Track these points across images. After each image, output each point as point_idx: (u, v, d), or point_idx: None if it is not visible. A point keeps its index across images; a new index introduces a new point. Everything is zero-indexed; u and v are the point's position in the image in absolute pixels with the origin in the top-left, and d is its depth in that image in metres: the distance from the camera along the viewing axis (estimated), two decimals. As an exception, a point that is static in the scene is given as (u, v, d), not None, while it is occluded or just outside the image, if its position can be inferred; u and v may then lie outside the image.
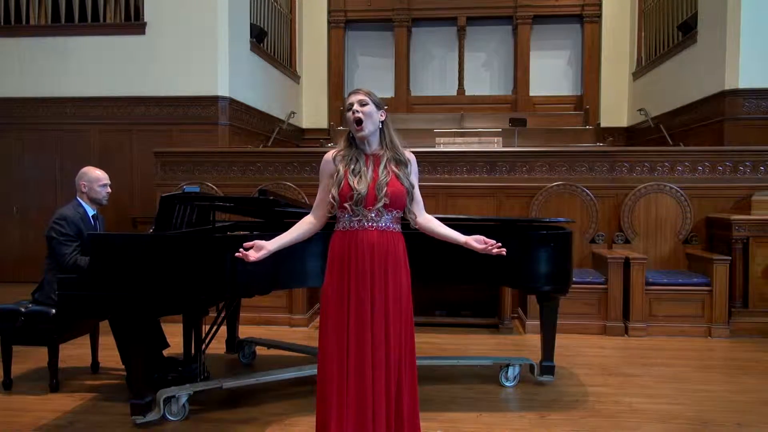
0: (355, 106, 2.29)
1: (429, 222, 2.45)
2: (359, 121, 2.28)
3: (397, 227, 2.36)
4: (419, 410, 2.40)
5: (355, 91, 2.35)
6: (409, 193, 2.34)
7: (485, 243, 2.38)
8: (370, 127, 2.31)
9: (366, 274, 2.28)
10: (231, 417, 3.14)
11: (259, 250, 2.35)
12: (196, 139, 6.78)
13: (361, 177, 2.28)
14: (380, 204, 2.27)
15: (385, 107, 2.38)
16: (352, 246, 2.30)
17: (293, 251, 3.17)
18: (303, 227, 2.42)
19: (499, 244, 2.36)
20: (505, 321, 4.96)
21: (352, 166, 2.30)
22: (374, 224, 2.30)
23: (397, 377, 2.29)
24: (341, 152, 2.36)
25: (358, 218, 2.30)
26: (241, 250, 2.33)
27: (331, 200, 2.30)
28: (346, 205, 2.27)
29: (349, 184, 2.26)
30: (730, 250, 4.88)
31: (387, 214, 2.31)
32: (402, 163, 2.35)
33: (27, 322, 3.48)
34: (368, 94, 2.32)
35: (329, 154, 2.38)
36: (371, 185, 2.27)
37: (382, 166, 2.32)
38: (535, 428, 3.03)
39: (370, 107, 2.30)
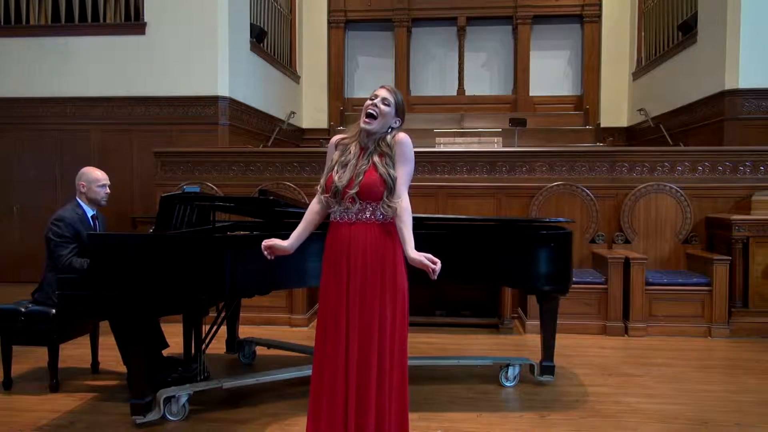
0: (377, 101, 2.28)
1: (399, 216, 2.27)
2: (371, 116, 2.27)
3: (381, 216, 2.28)
4: (413, 409, 2.40)
5: (385, 86, 2.35)
6: (386, 184, 2.24)
7: (429, 263, 2.20)
8: (377, 126, 2.29)
9: (344, 270, 2.26)
10: (231, 417, 3.14)
11: (276, 251, 2.38)
12: (196, 139, 6.78)
13: (346, 169, 2.27)
14: (351, 192, 2.22)
15: (401, 116, 2.38)
16: (335, 239, 2.31)
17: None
18: (313, 211, 2.41)
19: (436, 266, 2.19)
20: (505, 321, 4.96)
21: (343, 158, 2.30)
22: (356, 217, 2.28)
23: (386, 375, 2.25)
24: (345, 139, 2.38)
25: (341, 210, 2.30)
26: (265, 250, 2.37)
27: (318, 187, 2.35)
28: (323, 196, 2.31)
29: (332, 176, 2.28)
30: (730, 250, 4.88)
31: (369, 206, 2.27)
32: (386, 154, 2.28)
33: (27, 322, 3.48)
34: (394, 93, 2.31)
35: (335, 139, 2.41)
36: (352, 176, 2.26)
37: (365, 156, 2.29)
38: (535, 428, 3.03)
39: (390, 109, 2.30)
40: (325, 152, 2.45)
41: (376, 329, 2.25)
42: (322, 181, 2.34)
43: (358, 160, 2.28)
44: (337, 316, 2.26)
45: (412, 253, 2.24)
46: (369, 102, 2.29)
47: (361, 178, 2.23)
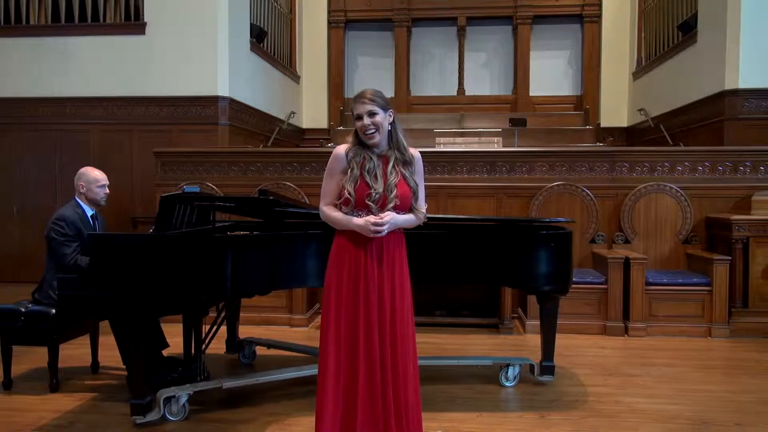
0: (366, 120, 2.31)
1: (417, 215, 2.45)
2: (371, 132, 2.32)
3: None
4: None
5: (362, 100, 2.33)
6: (414, 193, 2.39)
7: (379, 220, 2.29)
8: (380, 137, 2.35)
9: (374, 274, 2.32)
10: (231, 417, 3.14)
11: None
12: (196, 139, 6.78)
13: (377, 177, 2.32)
14: (391, 205, 2.31)
15: (390, 109, 2.40)
16: (360, 246, 2.33)
17: (293, 251, 3.19)
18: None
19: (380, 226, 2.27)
20: (505, 321, 4.95)
21: (367, 166, 2.33)
22: None
23: (403, 373, 2.33)
24: (352, 149, 2.38)
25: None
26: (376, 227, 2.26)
27: (348, 196, 2.31)
28: (367, 202, 2.30)
29: (366, 182, 2.31)
30: (730, 250, 4.88)
31: (397, 214, 2.34)
32: (408, 163, 2.39)
33: (27, 322, 3.48)
34: (374, 100, 2.32)
35: (342, 149, 2.40)
36: (383, 187, 2.32)
37: (390, 166, 2.35)
38: (535, 428, 3.03)
39: (380, 116, 2.32)
40: (326, 153, 2.45)
41: (406, 327, 2.37)
42: (350, 189, 2.31)
43: (383, 170, 2.35)
44: (370, 320, 2.30)
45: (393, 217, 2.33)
46: (360, 124, 2.32)
47: (395, 190, 2.33)
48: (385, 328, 2.31)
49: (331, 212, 2.38)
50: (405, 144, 2.40)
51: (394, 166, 2.36)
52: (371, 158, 2.34)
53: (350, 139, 2.43)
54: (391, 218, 2.29)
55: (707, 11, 6.55)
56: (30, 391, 3.53)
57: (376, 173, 2.32)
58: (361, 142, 2.38)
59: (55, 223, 3.50)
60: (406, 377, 2.33)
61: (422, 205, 2.45)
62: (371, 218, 2.27)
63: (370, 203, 2.30)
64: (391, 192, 2.31)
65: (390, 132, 2.38)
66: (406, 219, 2.39)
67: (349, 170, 2.34)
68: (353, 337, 2.31)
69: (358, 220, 2.29)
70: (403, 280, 2.38)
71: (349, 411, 2.29)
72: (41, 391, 3.51)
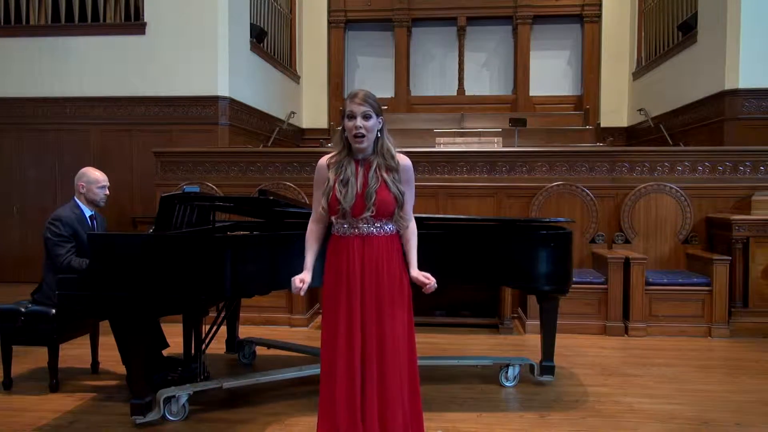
0: (358, 120, 2.24)
1: (405, 235, 2.39)
2: (360, 135, 2.26)
3: (391, 229, 2.34)
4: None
5: (357, 99, 2.26)
6: (398, 201, 2.30)
7: (426, 280, 2.32)
8: (368, 143, 2.29)
9: (356, 280, 2.28)
10: (231, 417, 3.14)
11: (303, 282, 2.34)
12: (196, 139, 6.78)
13: (348, 187, 2.26)
14: (367, 214, 2.26)
15: (382, 115, 2.35)
16: (343, 252, 2.31)
17: (293, 251, 3.18)
18: (316, 238, 2.42)
19: (429, 282, 2.31)
20: (505, 321, 4.95)
21: (341, 176, 2.28)
22: (365, 230, 2.29)
23: (392, 375, 2.28)
24: (334, 157, 2.35)
25: (348, 224, 2.31)
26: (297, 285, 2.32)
27: (322, 210, 2.33)
28: (333, 217, 2.30)
29: (336, 197, 2.26)
30: (730, 250, 4.88)
31: (378, 221, 2.30)
32: (393, 169, 2.31)
33: (27, 322, 3.48)
34: (368, 101, 2.26)
35: (323, 160, 2.37)
36: (360, 194, 2.26)
37: (372, 171, 2.28)
38: (535, 428, 3.03)
39: (373, 120, 2.26)
40: (325, 153, 2.44)
41: (397, 335, 2.30)
42: (323, 202, 2.30)
43: (363, 175, 2.28)
44: (351, 321, 2.28)
45: (414, 272, 2.37)
46: (351, 124, 2.26)
47: (374, 197, 2.25)
48: (371, 329, 2.27)
49: (308, 229, 2.42)
50: (392, 151, 2.32)
51: (376, 171, 2.28)
52: (347, 168, 2.29)
53: (335, 141, 2.40)
54: (434, 282, 2.30)
55: (707, 11, 6.56)
56: (30, 391, 3.53)
57: (349, 184, 2.26)
58: (345, 147, 2.33)
59: (51, 223, 3.50)
60: (397, 379, 2.27)
61: (408, 212, 2.37)
62: (296, 278, 2.31)
63: (335, 217, 2.29)
64: (370, 199, 2.24)
65: (377, 138, 2.31)
66: (414, 245, 2.38)
67: (326, 183, 2.31)
68: (335, 343, 2.29)
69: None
70: (393, 281, 2.31)
71: (335, 415, 2.27)
72: (41, 391, 3.51)
